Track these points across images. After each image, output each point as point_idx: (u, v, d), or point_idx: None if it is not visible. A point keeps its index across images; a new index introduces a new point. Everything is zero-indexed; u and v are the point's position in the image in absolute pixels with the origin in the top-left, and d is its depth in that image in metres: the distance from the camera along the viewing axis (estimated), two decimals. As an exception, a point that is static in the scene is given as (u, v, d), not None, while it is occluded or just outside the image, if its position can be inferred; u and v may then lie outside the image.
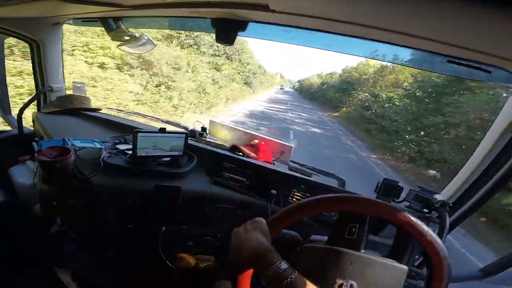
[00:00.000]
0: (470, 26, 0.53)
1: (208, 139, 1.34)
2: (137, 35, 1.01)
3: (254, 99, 19.57)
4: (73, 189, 0.94)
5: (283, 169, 1.23)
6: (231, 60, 15.95)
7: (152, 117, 1.39)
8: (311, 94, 34.39)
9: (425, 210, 1.04)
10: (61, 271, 1.23)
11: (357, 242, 0.65)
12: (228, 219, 1.10)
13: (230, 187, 1.10)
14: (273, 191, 1.09)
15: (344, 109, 18.92)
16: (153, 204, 1.01)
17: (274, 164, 1.28)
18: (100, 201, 0.99)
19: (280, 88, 73.29)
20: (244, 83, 18.22)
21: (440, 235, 0.87)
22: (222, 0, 0.69)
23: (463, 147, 7.02)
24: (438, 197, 1.05)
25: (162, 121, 1.37)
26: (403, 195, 1.06)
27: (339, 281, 0.61)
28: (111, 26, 0.97)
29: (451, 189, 1.03)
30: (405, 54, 0.87)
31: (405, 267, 0.64)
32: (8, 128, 1.71)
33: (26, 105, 1.52)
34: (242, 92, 16.87)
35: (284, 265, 0.49)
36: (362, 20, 0.71)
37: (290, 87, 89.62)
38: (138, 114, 1.43)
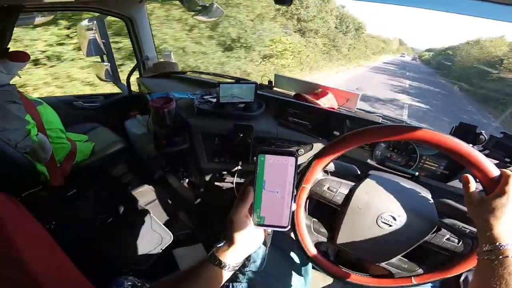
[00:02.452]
0: None
1: (275, 90, 1.50)
2: (207, 5, 1.18)
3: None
4: (177, 127, 1.24)
5: (348, 113, 1.29)
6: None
7: (226, 75, 1.62)
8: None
9: (507, 159, 0.93)
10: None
11: None
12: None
13: (294, 129, 1.25)
14: (336, 133, 1.19)
15: None
16: (231, 143, 1.22)
17: (339, 110, 1.35)
18: (195, 139, 1.26)
19: (401, 56, 55.32)
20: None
21: None
22: None
23: None
24: None
25: (233, 78, 1.57)
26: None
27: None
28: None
29: None
30: None
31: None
32: (119, 91, 2.22)
33: (131, 72, 1.94)
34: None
35: (502, 245, 0.47)
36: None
37: (413, 58, 59.86)
38: (215, 74, 1.68)
